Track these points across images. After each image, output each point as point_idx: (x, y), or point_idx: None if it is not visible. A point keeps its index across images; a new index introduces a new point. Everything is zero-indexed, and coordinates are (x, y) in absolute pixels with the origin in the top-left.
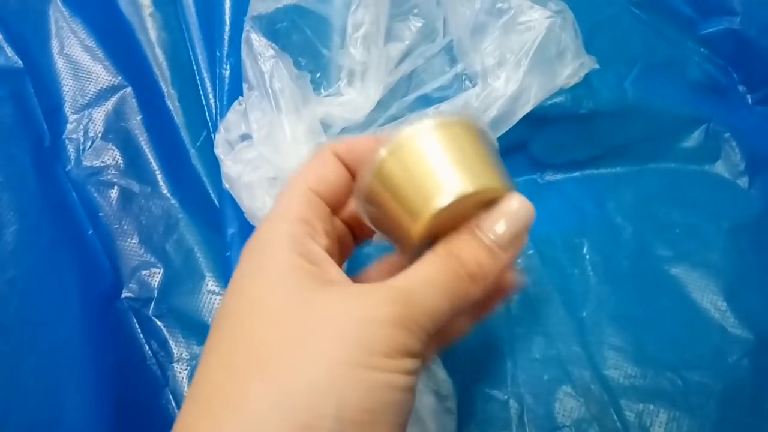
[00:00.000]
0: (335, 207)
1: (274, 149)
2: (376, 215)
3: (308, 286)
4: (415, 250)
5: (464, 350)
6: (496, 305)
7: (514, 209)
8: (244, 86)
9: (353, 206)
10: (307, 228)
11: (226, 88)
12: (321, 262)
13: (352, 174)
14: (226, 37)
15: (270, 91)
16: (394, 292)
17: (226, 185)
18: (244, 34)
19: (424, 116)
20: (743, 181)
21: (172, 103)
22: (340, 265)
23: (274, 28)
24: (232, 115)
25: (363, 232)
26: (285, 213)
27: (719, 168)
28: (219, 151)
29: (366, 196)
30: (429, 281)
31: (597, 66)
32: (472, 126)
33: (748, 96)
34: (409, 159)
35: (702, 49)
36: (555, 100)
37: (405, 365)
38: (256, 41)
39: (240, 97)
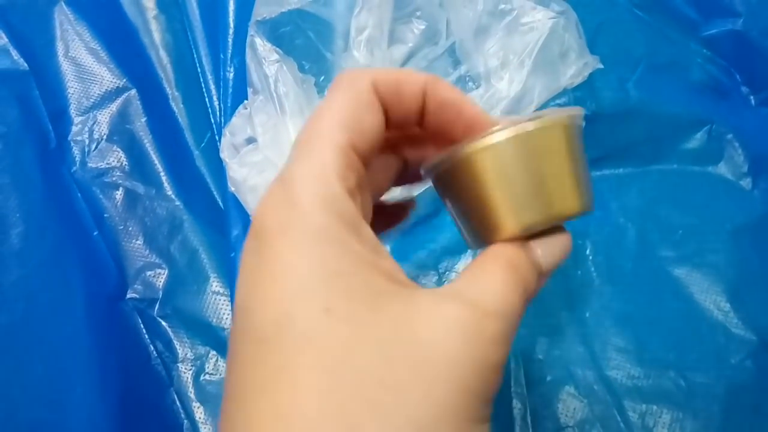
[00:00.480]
0: (366, 162)
1: (279, 152)
2: (455, 191)
3: (389, 300)
4: (484, 241)
5: None
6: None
7: (567, 248)
8: (249, 90)
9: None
10: (356, 205)
11: (230, 90)
12: (380, 252)
13: (423, 123)
14: (230, 40)
15: (275, 94)
16: (508, 319)
17: (232, 188)
18: (248, 39)
19: (548, 111)
20: (746, 183)
21: (177, 105)
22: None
23: (278, 33)
24: (237, 119)
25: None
26: (326, 186)
27: (722, 169)
28: (224, 154)
29: (452, 171)
30: (510, 304)
31: (601, 65)
32: (580, 125)
33: (751, 97)
34: (527, 155)
35: (705, 51)
36: (558, 102)
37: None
38: (261, 45)
39: (245, 101)
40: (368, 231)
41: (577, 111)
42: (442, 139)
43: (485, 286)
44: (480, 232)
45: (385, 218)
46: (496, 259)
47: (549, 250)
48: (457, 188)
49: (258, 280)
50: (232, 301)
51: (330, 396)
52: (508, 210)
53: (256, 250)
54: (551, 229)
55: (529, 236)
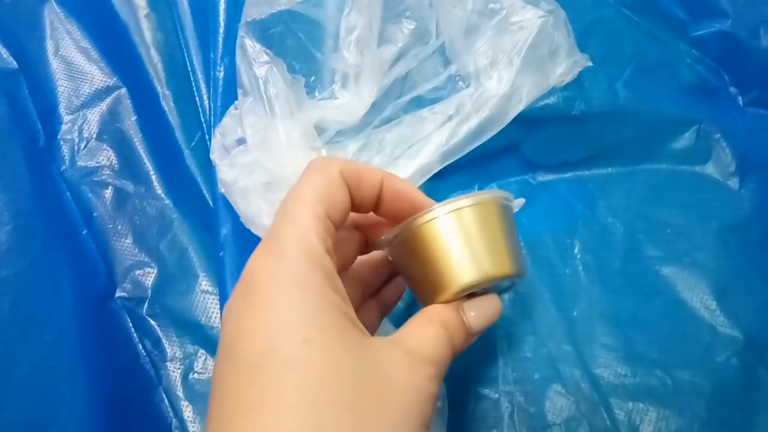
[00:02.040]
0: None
1: (269, 154)
2: (407, 259)
3: (355, 338)
4: (430, 301)
5: None
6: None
7: (496, 313)
8: (239, 92)
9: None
10: (331, 262)
11: (221, 89)
12: (348, 303)
13: (378, 209)
14: (221, 39)
15: (264, 96)
16: (434, 367)
17: (222, 190)
18: (238, 40)
19: (479, 193)
20: (734, 182)
21: (167, 104)
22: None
23: (267, 33)
24: (227, 120)
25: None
26: (308, 243)
27: (710, 169)
28: (214, 156)
29: (405, 242)
30: (437, 339)
31: (590, 64)
32: (509, 205)
33: (740, 97)
34: (463, 226)
35: (693, 51)
36: (547, 102)
37: None
38: (250, 47)
39: (236, 102)
40: (340, 284)
41: (506, 195)
42: (396, 222)
43: (422, 338)
44: (427, 292)
45: (379, 304)
46: (432, 317)
47: (480, 313)
48: (409, 257)
49: (247, 317)
50: (221, 300)
51: (309, 413)
52: (449, 272)
53: (244, 293)
54: (484, 294)
55: (466, 296)
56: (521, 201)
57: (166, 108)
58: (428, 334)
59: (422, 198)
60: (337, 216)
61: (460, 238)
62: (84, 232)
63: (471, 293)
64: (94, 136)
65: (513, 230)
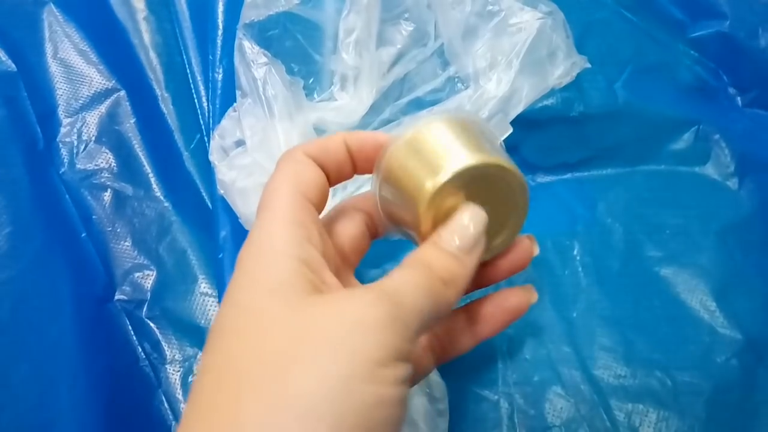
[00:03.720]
0: (319, 206)
1: (268, 155)
2: (390, 206)
3: (305, 296)
4: (426, 236)
5: None
6: (497, 330)
7: (466, 220)
8: (237, 93)
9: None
10: (304, 231)
11: (219, 91)
12: (318, 268)
13: (356, 166)
14: (219, 41)
15: (263, 97)
16: (382, 293)
17: (221, 191)
18: (236, 42)
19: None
20: (733, 183)
21: (166, 107)
22: (351, 266)
23: (266, 35)
24: (226, 122)
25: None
26: (279, 217)
27: (709, 170)
28: (213, 157)
29: (382, 182)
30: (414, 283)
31: (589, 65)
32: (477, 120)
33: (738, 98)
34: (421, 145)
35: (692, 52)
36: (546, 103)
37: (396, 373)
38: (249, 48)
39: (234, 104)
40: (316, 255)
41: (472, 116)
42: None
43: (391, 275)
44: (412, 218)
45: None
46: (408, 260)
47: (453, 229)
48: (390, 191)
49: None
50: (220, 302)
51: (221, 374)
52: (424, 179)
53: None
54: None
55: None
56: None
57: (165, 110)
58: (403, 273)
59: (385, 135)
60: (311, 191)
61: (428, 149)
62: (83, 234)
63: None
64: (93, 138)
65: (480, 137)
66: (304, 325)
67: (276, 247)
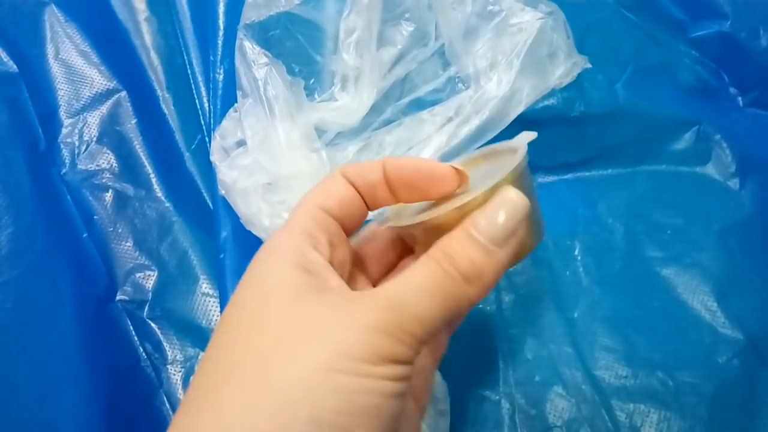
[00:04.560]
0: (347, 222)
1: (268, 155)
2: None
3: (303, 295)
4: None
5: (457, 350)
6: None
7: (509, 200)
8: (238, 93)
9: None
10: (309, 239)
11: (220, 92)
12: (320, 271)
13: (361, 194)
14: (220, 42)
15: (264, 98)
16: (383, 299)
17: (222, 191)
18: (237, 42)
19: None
20: (734, 183)
21: (167, 107)
22: (374, 275)
23: (267, 36)
24: (227, 122)
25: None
26: (289, 226)
27: (710, 170)
28: (214, 157)
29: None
30: (421, 286)
31: (589, 65)
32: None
33: (739, 98)
34: None
35: (693, 52)
36: (547, 103)
37: (388, 371)
38: (250, 49)
39: (235, 104)
40: (318, 260)
41: (520, 146)
42: (411, 196)
43: (399, 277)
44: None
45: None
46: (425, 255)
47: (486, 214)
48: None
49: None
50: (221, 302)
51: (215, 364)
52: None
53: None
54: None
55: None
56: (533, 134)
57: (166, 111)
58: (413, 274)
59: (424, 163)
60: (333, 203)
61: None
62: (84, 235)
63: None
64: (95, 139)
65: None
66: (293, 322)
67: (277, 253)
